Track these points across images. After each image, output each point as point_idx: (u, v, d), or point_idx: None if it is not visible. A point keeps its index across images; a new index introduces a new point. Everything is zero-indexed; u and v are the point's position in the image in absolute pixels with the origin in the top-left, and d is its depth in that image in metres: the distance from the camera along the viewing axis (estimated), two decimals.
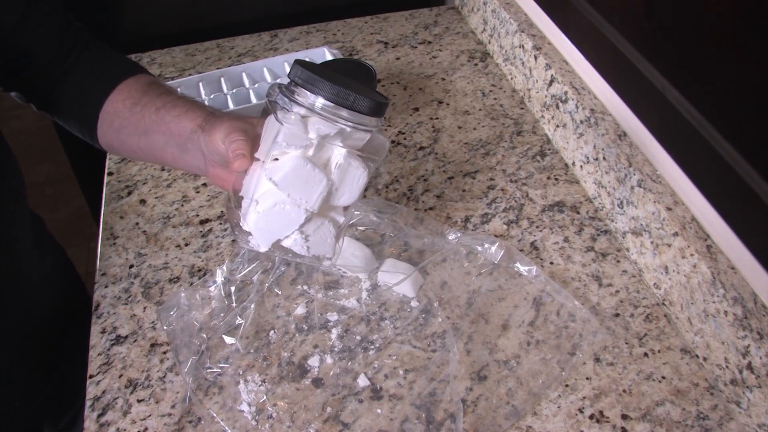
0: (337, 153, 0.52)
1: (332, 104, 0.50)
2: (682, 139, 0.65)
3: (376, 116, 0.52)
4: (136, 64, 0.67)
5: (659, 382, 0.62)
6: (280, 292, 0.71)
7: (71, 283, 0.84)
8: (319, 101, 0.50)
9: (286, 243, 0.54)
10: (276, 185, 0.51)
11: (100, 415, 0.61)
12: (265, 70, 0.98)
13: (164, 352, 0.66)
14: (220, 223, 0.80)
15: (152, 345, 0.67)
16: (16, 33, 0.60)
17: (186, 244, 0.77)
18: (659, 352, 0.64)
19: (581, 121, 0.80)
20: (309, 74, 0.50)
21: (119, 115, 0.62)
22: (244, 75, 0.98)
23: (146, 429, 0.60)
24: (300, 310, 0.69)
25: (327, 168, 0.52)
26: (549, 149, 0.88)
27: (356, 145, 0.53)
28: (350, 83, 0.54)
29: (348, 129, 0.51)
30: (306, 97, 0.51)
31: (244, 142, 0.53)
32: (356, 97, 0.50)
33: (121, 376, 0.64)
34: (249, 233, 0.54)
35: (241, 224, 0.54)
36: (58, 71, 0.63)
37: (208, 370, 0.63)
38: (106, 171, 0.88)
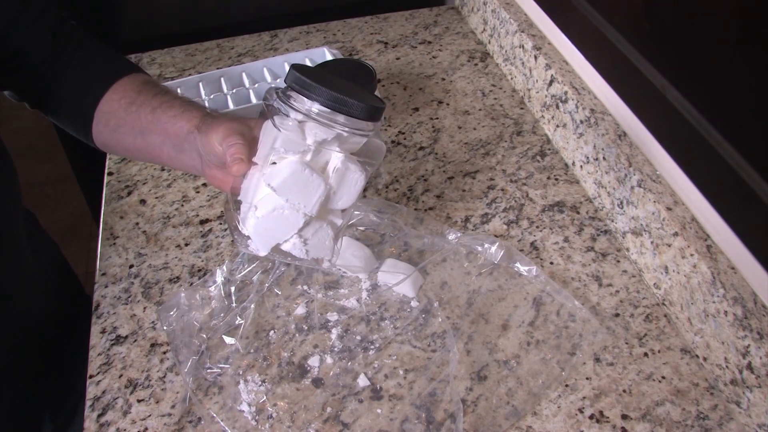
0: (335, 157, 0.52)
1: (328, 110, 0.50)
2: (682, 139, 0.65)
3: (372, 121, 0.52)
4: (131, 63, 0.67)
5: (659, 382, 0.62)
6: (280, 292, 0.71)
7: (66, 281, 0.84)
8: (315, 107, 0.50)
9: (285, 247, 0.54)
10: (274, 191, 0.51)
11: (100, 415, 0.61)
12: (265, 70, 0.98)
13: (164, 352, 0.66)
14: (220, 223, 0.80)
15: (152, 345, 0.67)
16: (9, 32, 0.60)
17: (186, 244, 0.77)
18: (659, 352, 0.64)
19: (581, 121, 0.80)
20: (304, 80, 0.50)
21: (115, 115, 0.62)
22: (244, 75, 0.97)
23: (146, 429, 0.60)
24: (300, 310, 0.69)
25: (325, 172, 0.53)
26: (549, 149, 0.88)
27: (353, 148, 0.53)
28: (348, 87, 0.54)
29: (345, 134, 0.51)
30: (302, 102, 0.51)
31: (242, 146, 0.52)
32: (352, 102, 0.50)
33: (121, 376, 0.64)
34: (248, 237, 0.54)
35: (240, 228, 0.54)
36: (51, 70, 0.63)
37: (208, 370, 0.63)
38: (106, 171, 0.88)
